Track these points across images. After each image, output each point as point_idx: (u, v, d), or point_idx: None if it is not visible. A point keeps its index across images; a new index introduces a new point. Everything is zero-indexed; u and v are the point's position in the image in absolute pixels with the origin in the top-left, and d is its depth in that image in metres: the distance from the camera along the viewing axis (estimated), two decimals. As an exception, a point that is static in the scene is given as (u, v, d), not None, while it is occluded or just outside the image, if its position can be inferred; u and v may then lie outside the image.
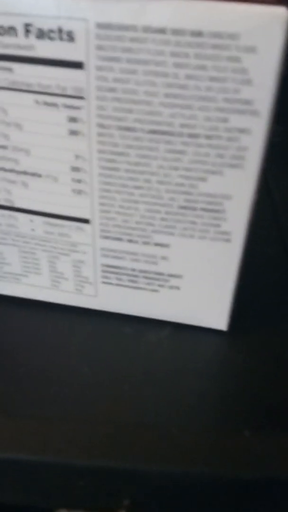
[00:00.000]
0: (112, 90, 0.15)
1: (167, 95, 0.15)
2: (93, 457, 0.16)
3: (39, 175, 0.18)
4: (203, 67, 0.14)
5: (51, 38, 0.15)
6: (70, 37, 0.15)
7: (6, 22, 0.15)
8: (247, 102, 0.15)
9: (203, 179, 0.17)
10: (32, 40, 0.15)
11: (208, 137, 0.16)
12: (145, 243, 0.19)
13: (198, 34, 0.14)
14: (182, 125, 0.16)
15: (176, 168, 0.16)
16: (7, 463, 0.17)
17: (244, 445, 0.17)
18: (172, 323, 0.21)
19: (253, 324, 0.21)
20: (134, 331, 0.21)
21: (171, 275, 0.19)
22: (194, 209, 0.17)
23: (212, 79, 0.15)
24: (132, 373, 0.19)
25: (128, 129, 0.16)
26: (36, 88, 0.16)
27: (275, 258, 0.25)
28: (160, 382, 0.19)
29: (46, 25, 0.15)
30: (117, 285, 0.20)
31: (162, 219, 0.18)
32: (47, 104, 0.16)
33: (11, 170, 0.18)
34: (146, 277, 0.20)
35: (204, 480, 0.16)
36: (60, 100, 0.16)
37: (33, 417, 0.17)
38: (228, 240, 0.18)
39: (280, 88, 0.15)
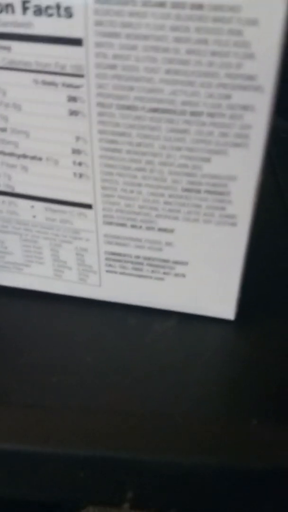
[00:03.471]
0: (112, 67, 0.15)
1: (168, 71, 0.15)
2: (95, 448, 0.16)
3: (39, 159, 0.17)
4: (204, 41, 0.14)
5: (49, 15, 0.15)
6: (68, 13, 0.14)
7: (3, -1, 0.15)
8: (250, 77, 0.15)
9: (206, 160, 0.16)
10: (30, 17, 0.15)
11: (211, 115, 0.15)
12: (149, 228, 0.18)
13: (199, 7, 0.14)
14: (184, 103, 0.15)
15: (179, 148, 0.16)
16: (6, 454, 0.17)
17: (252, 434, 0.16)
18: (178, 313, 0.21)
19: (261, 313, 0.21)
20: (139, 321, 0.20)
21: (176, 262, 0.19)
22: (198, 191, 0.17)
23: (214, 53, 0.14)
24: (136, 363, 0.19)
25: (129, 107, 0.16)
26: (35, 67, 0.16)
27: (284, 247, 0.24)
28: (166, 372, 0.18)
29: (44, 1, 0.14)
30: (122, 273, 0.20)
31: (166, 203, 0.17)
32: (46, 83, 0.16)
33: (11, 154, 0.18)
34: (150, 265, 0.19)
35: (211, 470, 0.16)
36: (59, 79, 0.16)
37: (34, 407, 0.17)
38: (234, 224, 0.17)
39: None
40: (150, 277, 0.20)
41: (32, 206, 0.19)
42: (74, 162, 0.17)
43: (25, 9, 0.15)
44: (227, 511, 0.18)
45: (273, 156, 0.33)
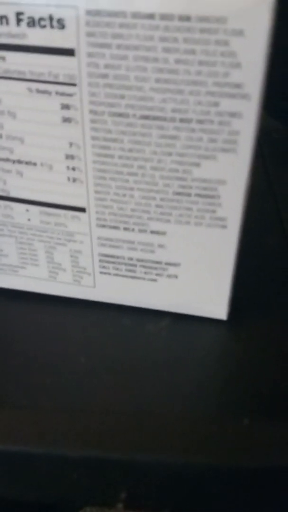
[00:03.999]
0: (103, 76, 0.15)
1: (157, 80, 0.15)
2: (89, 448, 0.16)
3: (34, 164, 0.18)
4: (192, 52, 0.15)
5: (42, 26, 0.15)
6: (61, 24, 0.15)
7: (-3, 11, 0.15)
8: (237, 85, 0.15)
9: (196, 165, 0.17)
10: (24, 28, 0.15)
11: (200, 121, 0.16)
12: (142, 231, 0.19)
13: (186, 18, 0.14)
14: (174, 110, 0.16)
15: (169, 154, 0.17)
16: (0, 455, 0.17)
17: (244, 434, 0.17)
18: (171, 314, 0.21)
19: (253, 313, 0.21)
20: (133, 322, 0.20)
21: (168, 264, 0.19)
22: (189, 195, 0.17)
23: (202, 63, 0.15)
24: (130, 364, 0.19)
25: (120, 115, 0.16)
26: (29, 76, 0.16)
27: (276, 247, 0.25)
28: (159, 372, 0.18)
29: (37, 13, 0.15)
30: (115, 275, 0.20)
31: (158, 206, 0.18)
32: (39, 91, 0.16)
33: (6, 159, 0.18)
34: (143, 266, 0.20)
35: (203, 470, 0.16)
36: (52, 88, 0.16)
37: (28, 408, 0.17)
38: (224, 226, 0.18)
39: (282, 87, 0.15)
40: (143, 279, 0.20)
41: (27, 210, 0.19)
42: (67, 167, 0.18)
43: (19, 20, 0.15)
44: (220, 510, 0.18)
45: (266, 157, 0.33)
